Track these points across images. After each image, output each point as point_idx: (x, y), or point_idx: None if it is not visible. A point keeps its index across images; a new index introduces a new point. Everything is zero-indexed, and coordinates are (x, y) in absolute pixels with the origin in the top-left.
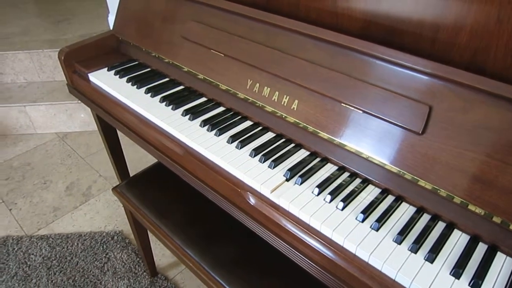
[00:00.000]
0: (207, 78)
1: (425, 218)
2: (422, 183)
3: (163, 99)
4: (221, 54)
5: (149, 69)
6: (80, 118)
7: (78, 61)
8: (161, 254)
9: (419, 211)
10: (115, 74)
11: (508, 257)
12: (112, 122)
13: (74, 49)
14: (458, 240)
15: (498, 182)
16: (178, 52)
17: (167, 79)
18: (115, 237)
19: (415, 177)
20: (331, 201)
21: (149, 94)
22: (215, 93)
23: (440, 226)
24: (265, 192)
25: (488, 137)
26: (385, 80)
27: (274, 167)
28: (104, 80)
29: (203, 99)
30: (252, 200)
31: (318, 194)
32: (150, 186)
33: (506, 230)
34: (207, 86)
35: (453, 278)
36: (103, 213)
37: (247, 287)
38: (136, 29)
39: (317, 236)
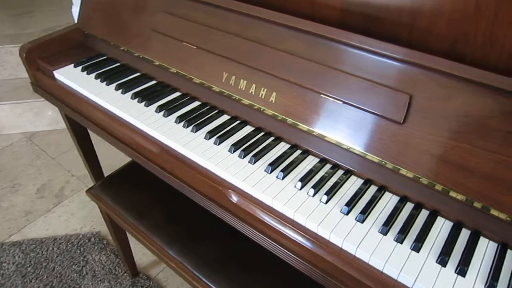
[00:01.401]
0: (180, 72)
1: (409, 206)
2: (403, 171)
3: (135, 96)
4: (194, 47)
5: (118, 64)
6: (47, 116)
7: (41, 57)
8: (142, 253)
9: (403, 200)
10: (82, 70)
11: (490, 242)
12: (82, 121)
13: (37, 45)
14: (442, 227)
15: (479, 168)
16: (149, 45)
17: (138, 74)
18: (92, 239)
19: (397, 166)
20: (314, 194)
21: (120, 91)
22: (189, 87)
23: (423, 214)
24: (247, 188)
25: (470, 125)
26: (365, 70)
27: (254, 162)
28: (71, 77)
29: (177, 94)
30: (234, 198)
31: (301, 188)
32: (126, 186)
33: (487, 215)
34: (181, 80)
35: (440, 266)
36: (78, 214)
37: (231, 285)
38: (102, 22)
39: (302, 231)
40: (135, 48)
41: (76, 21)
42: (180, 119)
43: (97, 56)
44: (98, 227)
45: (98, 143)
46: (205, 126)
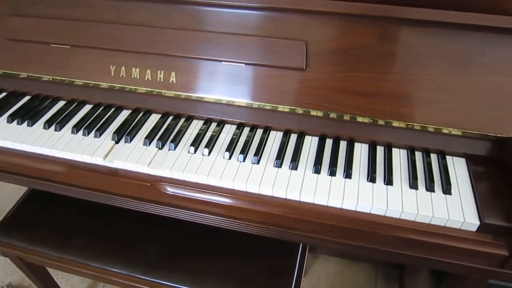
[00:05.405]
0: (56, 78)
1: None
2: (314, 112)
3: (11, 118)
4: (67, 46)
5: None
6: None
7: None
8: (70, 284)
9: (323, 139)
10: None
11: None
12: None
13: None
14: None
15: (380, 90)
16: (7, 58)
17: (4, 94)
18: None
19: (309, 109)
20: (245, 159)
21: None
22: (73, 92)
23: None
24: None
25: (364, 55)
26: (258, 28)
27: (175, 148)
28: None
29: (62, 103)
30: (168, 189)
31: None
32: (32, 220)
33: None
34: (61, 87)
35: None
36: None
37: (188, 275)
38: None
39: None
40: None
41: None
42: (77, 129)
43: None
44: (6, 279)
45: None
46: (107, 127)
